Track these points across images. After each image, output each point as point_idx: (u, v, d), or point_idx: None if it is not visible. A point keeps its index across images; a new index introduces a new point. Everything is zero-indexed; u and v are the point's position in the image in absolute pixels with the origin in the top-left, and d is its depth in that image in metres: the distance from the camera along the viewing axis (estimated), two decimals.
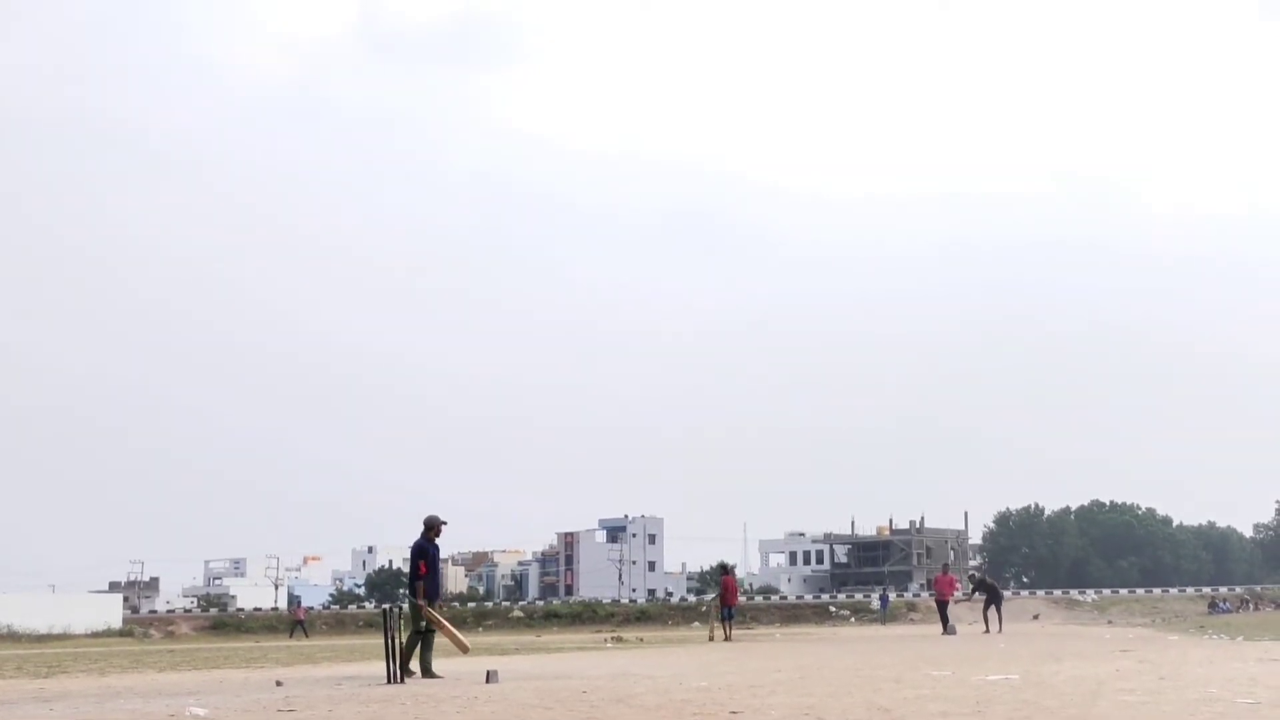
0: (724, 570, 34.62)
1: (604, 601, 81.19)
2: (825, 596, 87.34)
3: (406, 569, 19.50)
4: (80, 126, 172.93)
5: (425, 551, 15.24)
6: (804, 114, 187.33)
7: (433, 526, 15.33)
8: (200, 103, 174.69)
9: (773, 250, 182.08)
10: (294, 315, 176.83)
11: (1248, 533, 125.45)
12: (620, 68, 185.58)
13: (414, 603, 14.97)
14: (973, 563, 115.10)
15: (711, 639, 30.84)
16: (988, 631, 32.29)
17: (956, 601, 34.27)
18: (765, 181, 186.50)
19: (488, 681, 13.35)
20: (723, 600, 32.08)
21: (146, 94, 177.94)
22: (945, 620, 32.56)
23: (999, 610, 33.98)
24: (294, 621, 60.53)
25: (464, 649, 15.37)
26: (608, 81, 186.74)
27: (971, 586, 37.66)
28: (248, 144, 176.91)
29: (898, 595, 78.49)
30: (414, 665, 14.69)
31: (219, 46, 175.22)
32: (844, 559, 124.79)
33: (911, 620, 61.10)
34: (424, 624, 14.80)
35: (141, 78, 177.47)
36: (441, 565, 16.21)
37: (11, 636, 56.42)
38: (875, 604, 72.88)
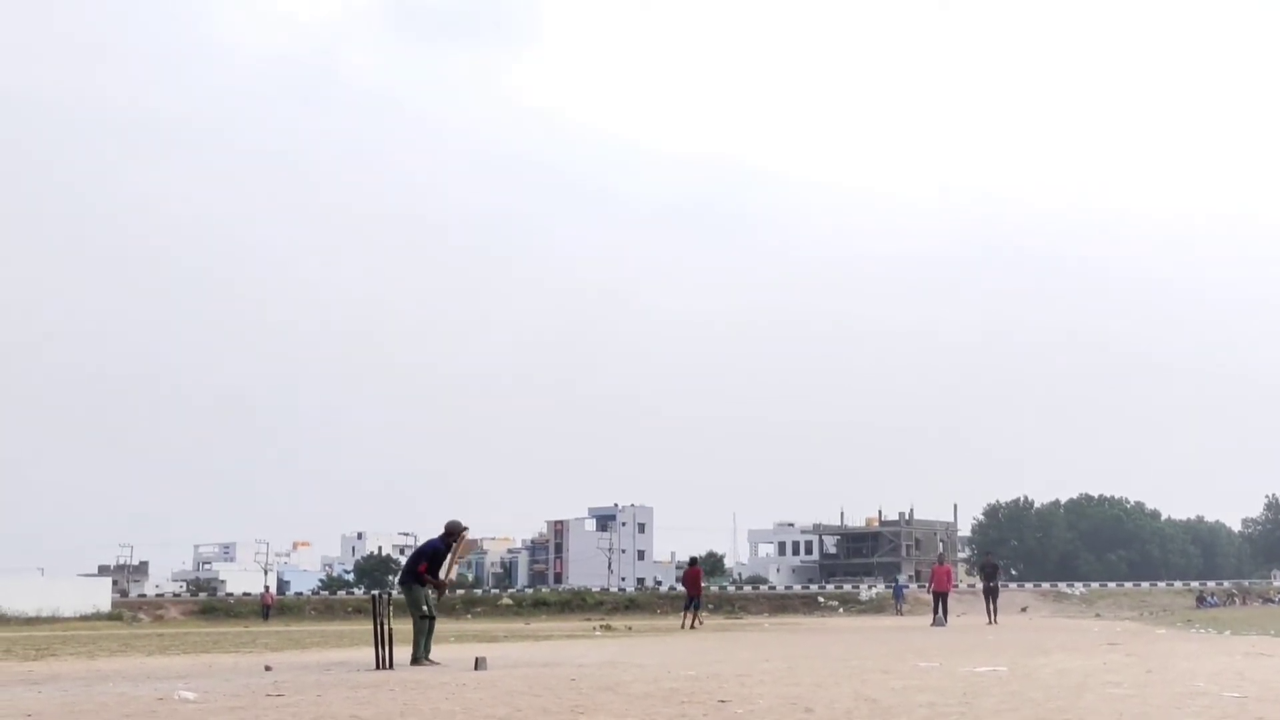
0: (691, 562, 35.42)
1: (593, 590, 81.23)
2: (814, 587, 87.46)
3: (402, 557, 19.21)
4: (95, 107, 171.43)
5: (438, 553, 14.82)
6: (802, 110, 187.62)
7: (454, 533, 14.96)
8: (213, 79, 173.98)
9: (767, 243, 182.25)
10: (292, 293, 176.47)
11: (1236, 527, 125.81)
12: (634, 53, 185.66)
13: (420, 590, 14.64)
14: (962, 555, 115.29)
15: (684, 627, 31.58)
16: (990, 622, 32.36)
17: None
18: (766, 174, 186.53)
19: (476, 669, 13.36)
20: (687, 591, 32.97)
21: (156, 71, 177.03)
22: (937, 611, 32.59)
23: (995, 599, 34.29)
24: (264, 606, 62.39)
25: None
26: (621, 65, 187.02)
27: (983, 573, 37.70)
28: (258, 119, 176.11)
29: (885, 586, 78.50)
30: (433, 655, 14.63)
31: (230, 22, 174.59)
32: (833, 550, 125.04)
33: (900, 611, 61.15)
34: (426, 611, 14.62)
35: (150, 55, 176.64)
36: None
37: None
38: (871, 592, 72.99)
